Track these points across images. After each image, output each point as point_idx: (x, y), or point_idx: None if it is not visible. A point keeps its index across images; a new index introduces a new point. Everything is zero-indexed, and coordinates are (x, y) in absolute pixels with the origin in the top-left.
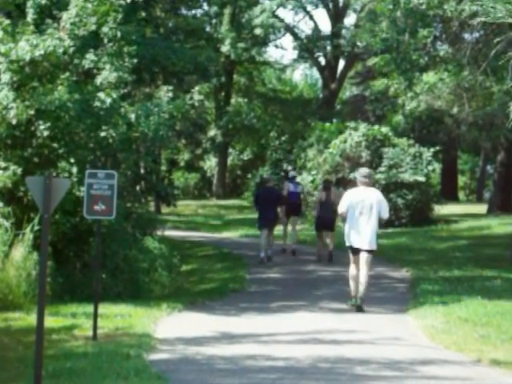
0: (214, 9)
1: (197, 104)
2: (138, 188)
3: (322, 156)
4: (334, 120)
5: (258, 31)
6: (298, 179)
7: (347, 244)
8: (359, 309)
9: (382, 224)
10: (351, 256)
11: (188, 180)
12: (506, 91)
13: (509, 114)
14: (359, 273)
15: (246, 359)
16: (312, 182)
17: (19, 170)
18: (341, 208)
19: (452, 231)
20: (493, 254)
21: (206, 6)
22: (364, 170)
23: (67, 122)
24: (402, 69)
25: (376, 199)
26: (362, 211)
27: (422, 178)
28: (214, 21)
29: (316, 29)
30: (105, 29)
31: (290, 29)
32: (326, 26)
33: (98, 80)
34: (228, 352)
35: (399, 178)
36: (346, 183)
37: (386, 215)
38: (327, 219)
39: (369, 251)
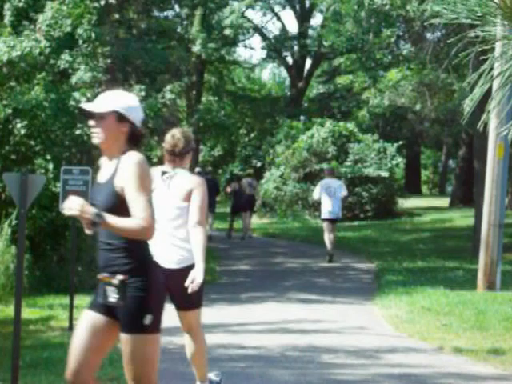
0: (185, 10)
1: (169, 102)
2: None
3: (290, 150)
4: (302, 117)
5: (227, 32)
6: (268, 174)
7: (322, 217)
8: (330, 259)
9: (346, 199)
10: (324, 225)
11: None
12: (466, 88)
13: (469, 111)
14: (330, 235)
15: (217, 348)
16: (280, 176)
17: None
18: (315, 194)
19: (415, 224)
20: (455, 246)
21: (177, 8)
22: (329, 168)
23: (43, 120)
24: (366, 67)
25: (337, 184)
26: (331, 194)
27: (385, 173)
28: (185, 22)
29: (283, 29)
30: (79, 30)
31: (258, 29)
32: (293, 27)
33: (73, 80)
34: None
35: (363, 172)
36: (314, 176)
37: (345, 193)
38: (241, 204)
39: (335, 220)
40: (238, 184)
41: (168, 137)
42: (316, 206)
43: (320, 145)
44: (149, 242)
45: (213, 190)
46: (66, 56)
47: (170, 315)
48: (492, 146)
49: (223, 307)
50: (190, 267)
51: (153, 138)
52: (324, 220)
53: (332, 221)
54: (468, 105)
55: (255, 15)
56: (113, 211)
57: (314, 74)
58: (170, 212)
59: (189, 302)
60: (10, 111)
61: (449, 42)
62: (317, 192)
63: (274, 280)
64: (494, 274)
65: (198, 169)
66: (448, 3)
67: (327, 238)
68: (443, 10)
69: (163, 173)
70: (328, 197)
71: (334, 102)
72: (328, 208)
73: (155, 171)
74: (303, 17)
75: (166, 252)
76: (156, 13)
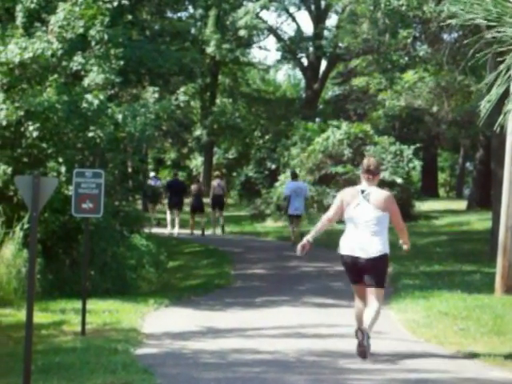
0: (199, 11)
1: (182, 104)
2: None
3: (305, 153)
4: (317, 119)
5: (242, 32)
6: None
7: (289, 213)
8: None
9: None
10: (290, 219)
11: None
12: (484, 89)
13: (485, 113)
14: (295, 228)
15: (231, 353)
16: None
17: (9, 170)
18: (285, 192)
19: (432, 227)
20: (472, 249)
21: (191, 9)
22: (294, 172)
23: (56, 122)
24: (382, 68)
25: (304, 186)
26: (298, 194)
27: (399, 180)
28: (199, 23)
29: (298, 30)
30: (92, 32)
31: (273, 30)
32: (308, 28)
33: (86, 82)
34: (213, 346)
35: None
36: (330, 179)
37: (307, 194)
38: (198, 205)
39: (300, 215)
40: (197, 186)
41: (365, 160)
42: (329, 208)
43: (335, 147)
44: (354, 241)
45: (181, 191)
46: (78, 58)
47: (181, 321)
48: (510, 147)
49: (238, 311)
50: (382, 256)
51: (166, 140)
52: (291, 215)
53: (298, 216)
54: (485, 106)
55: (270, 16)
56: None
57: (330, 76)
58: (371, 219)
59: (379, 282)
60: (21, 113)
61: (465, 42)
62: (287, 190)
63: (289, 284)
64: (511, 277)
65: (152, 173)
66: (464, 4)
67: (292, 230)
68: (460, 10)
69: (362, 191)
70: (296, 196)
71: (350, 103)
72: (295, 206)
73: (355, 190)
74: (318, 18)
75: (367, 245)
76: (169, 14)
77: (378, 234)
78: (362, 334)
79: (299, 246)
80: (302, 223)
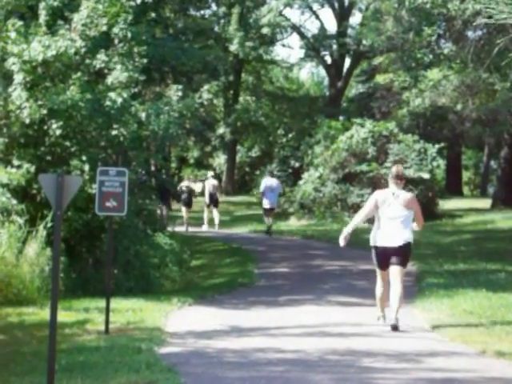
0: (223, 9)
1: (206, 103)
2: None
3: (329, 151)
4: (341, 117)
5: (265, 30)
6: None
7: (263, 206)
8: (268, 231)
9: (281, 195)
10: (265, 212)
11: (197, 177)
12: (508, 88)
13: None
14: (269, 219)
15: (255, 352)
16: (319, 177)
17: (32, 168)
18: (261, 188)
19: (457, 225)
20: (497, 248)
21: (214, 7)
22: (270, 170)
23: (79, 120)
24: (407, 66)
25: (277, 183)
26: (272, 190)
27: (426, 175)
28: (222, 21)
29: (322, 28)
30: (115, 29)
31: (296, 28)
32: (331, 25)
33: (109, 80)
34: (237, 345)
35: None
36: (354, 177)
37: (281, 191)
38: (189, 201)
39: (273, 209)
40: (188, 182)
41: (393, 168)
42: (353, 206)
43: (359, 145)
44: (387, 233)
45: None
46: (101, 56)
47: (205, 320)
48: None
49: (261, 310)
50: (408, 244)
51: (189, 138)
52: (265, 209)
53: (271, 209)
54: None
55: (293, 14)
56: None
57: (353, 74)
58: (400, 215)
59: (403, 263)
60: (45, 112)
61: (491, 40)
62: (262, 187)
63: (312, 283)
64: None
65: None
66: (489, 1)
67: (267, 220)
68: (488, 8)
69: (393, 193)
70: (270, 192)
71: (374, 101)
72: (269, 200)
73: (386, 193)
74: (342, 15)
75: (396, 236)
76: (193, 11)
77: (405, 227)
78: (396, 326)
79: (341, 239)
80: (274, 215)
